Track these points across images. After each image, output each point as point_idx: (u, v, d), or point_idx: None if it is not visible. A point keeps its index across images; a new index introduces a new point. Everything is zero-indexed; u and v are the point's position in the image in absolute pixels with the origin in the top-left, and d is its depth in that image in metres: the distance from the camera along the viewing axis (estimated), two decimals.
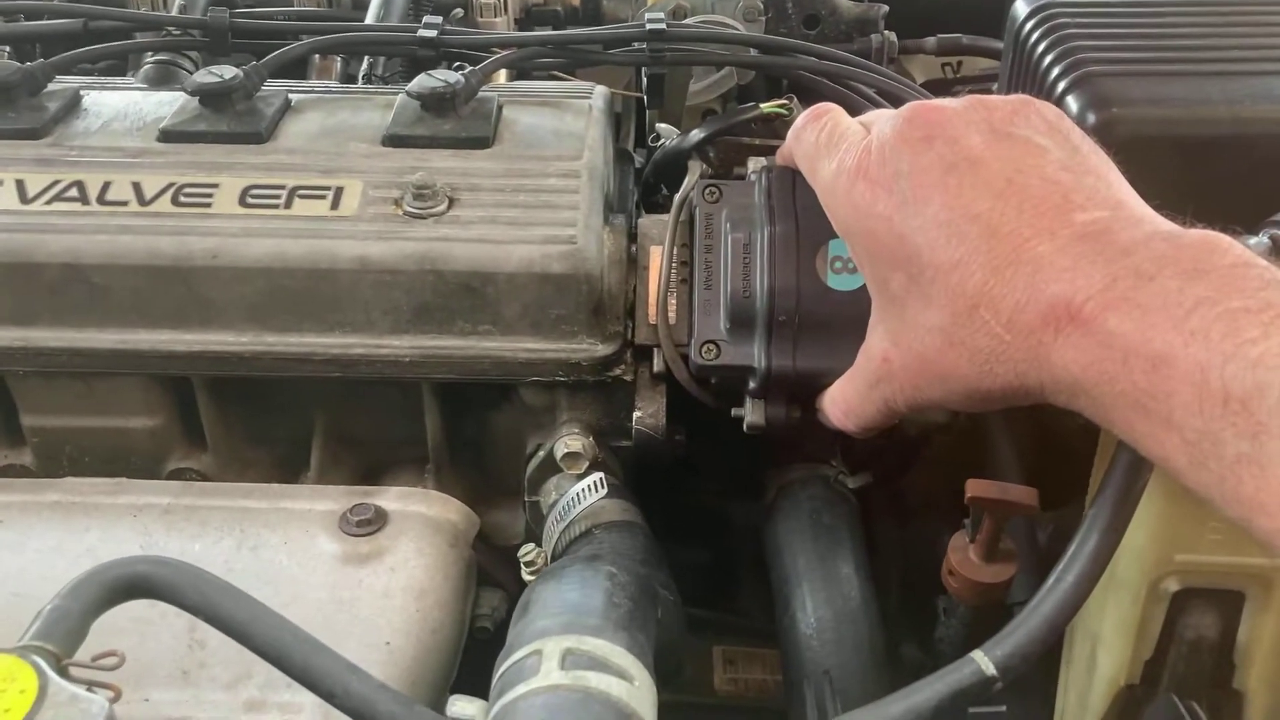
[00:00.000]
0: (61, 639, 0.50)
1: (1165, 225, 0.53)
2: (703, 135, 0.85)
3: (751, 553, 1.04)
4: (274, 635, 0.54)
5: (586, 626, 0.55)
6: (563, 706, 0.48)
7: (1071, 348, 0.50)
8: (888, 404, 0.63)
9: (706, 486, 1.00)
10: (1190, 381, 0.46)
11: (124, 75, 1.09)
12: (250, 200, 0.78)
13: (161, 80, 0.95)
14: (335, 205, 0.78)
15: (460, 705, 0.53)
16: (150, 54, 1.02)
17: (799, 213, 0.76)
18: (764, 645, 1.04)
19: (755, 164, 0.81)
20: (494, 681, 0.55)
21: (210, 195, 0.78)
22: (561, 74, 1.04)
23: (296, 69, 1.05)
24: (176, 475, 0.85)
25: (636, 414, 0.81)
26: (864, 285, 0.76)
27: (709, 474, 0.98)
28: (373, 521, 0.76)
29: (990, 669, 0.55)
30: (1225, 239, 0.50)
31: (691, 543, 1.03)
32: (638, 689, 0.51)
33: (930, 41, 1.16)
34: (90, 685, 0.49)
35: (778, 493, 0.86)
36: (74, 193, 0.79)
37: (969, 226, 0.54)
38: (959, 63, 1.29)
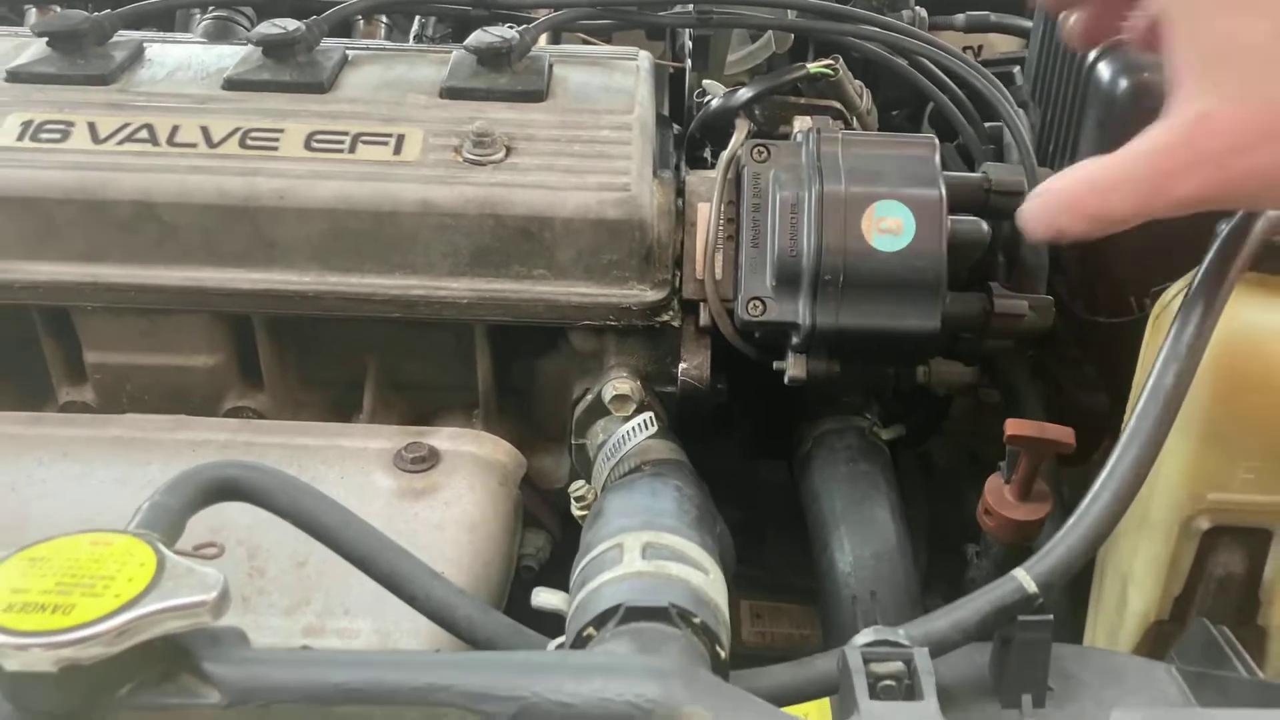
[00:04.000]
0: (164, 530, 0.53)
1: None
2: (750, 94, 0.88)
3: (778, 512, 1.07)
4: (361, 540, 0.56)
5: (663, 525, 0.58)
6: (648, 589, 0.51)
7: None
8: (1187, 174, 0.51)
9: (734, 448, 1.03)
10: None
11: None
12: (315, 145, 0.81)
13: (220, 35, 0.98)
14: (398, 151, 0.81)
15: (544, 596, 0.56)
16: (197, 10, 1.04)
17: (846, 174, 0.79)
18: (790, 600, 1.07)
19: (802, 124, 0.85)
20: (573, 577, 0.57)
21: (276, 139, 0.81)
22: (591, 40, 1.07)
23: (340, 31, 1.07)
24: (233, 414, 0.88)
25: (682, 365, 0.84)
26: (908, 246, 0.79)
27: (739, 434, 1.01)
28: (426, 459, 0.79)
29: (1031, 586, 0.57)
30: None
31: (720, 502, 1.06)
32: (712, 581, 0.54)
33: (959, 18, 1.19)
34: None
35: (814, 443, 0.89)
36: (144, 134, 0.81)
37: None
38: (980, 46, 1.33)
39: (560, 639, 0.55)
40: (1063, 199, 0.55)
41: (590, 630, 0.50)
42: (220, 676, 0.45)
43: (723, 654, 0.50)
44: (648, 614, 0.49)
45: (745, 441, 1.00)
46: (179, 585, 0.45)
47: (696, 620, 0.49)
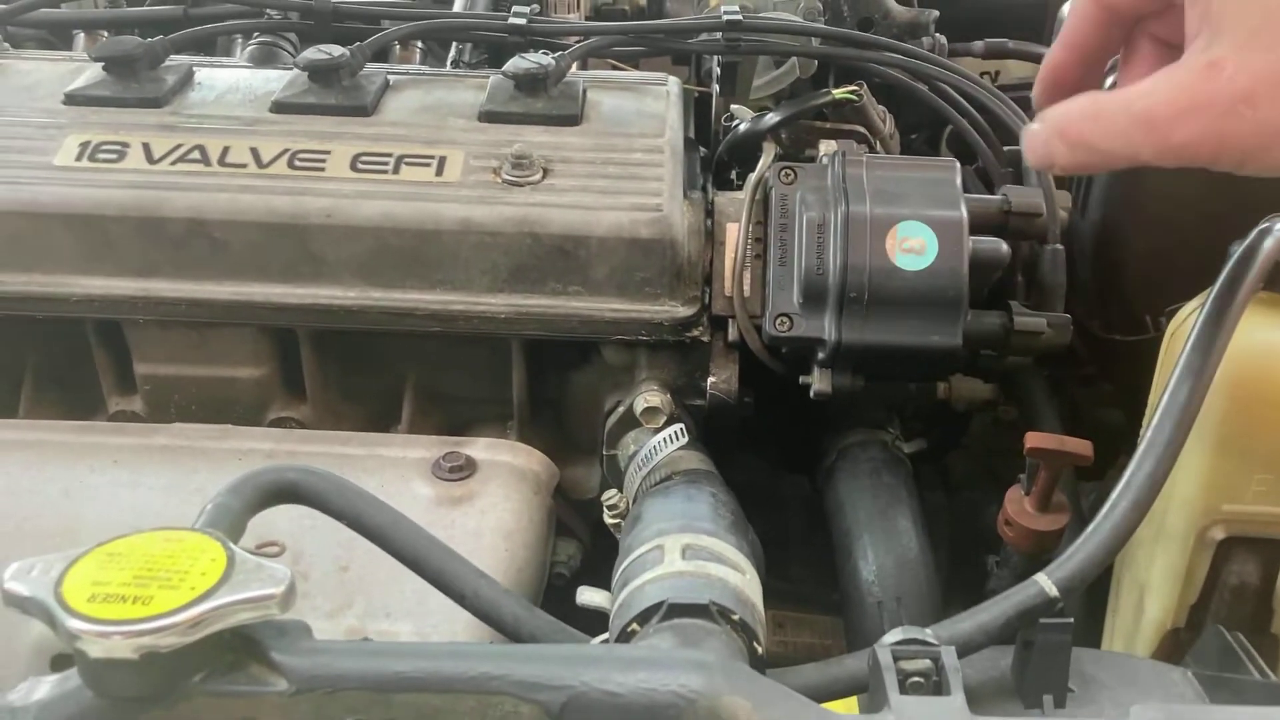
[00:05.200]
0: (227, 529, 0.55)
1: None
2: (777, 119, 0.91)
3: (800, 526, 1.10)
4: (412, 541, 0.59)
5: (701, 529, 0.60)
6: (689, 587, 0.54)
7: None
8: (1186, 119, 0.49)
9: (758, 462, 1.06)
10: None
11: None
12: (360, 166, 0.84)
13: (265, 60, 1.02)
14: (439, 172, 0.84)
15: (588, 594, 0.58)
16: (240, 36, 1.08)
17: (870, 196, 0.82)
18: (812, 611, 1.09)
19: (827, 147, 0.88)
20: (615, 577, 0.60)
21: (323, 160, 0.85)
22: (621, 66, 1.11)
23: (378, 56, 1.11)
24: (277, 424, 0.90)
25: (711, 379, 0.87)
26: (930, 265, 0.82)
27: (764, 448, 1.04)
28: (464, 468, 0.82)
29: (1052, 590, 0.60)
30: None
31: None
32: (749, 581, 0.56)
33: (977, 45, 1.22)
34: None
35: (838, 455, 0.92)
36: (196, 155, 0.85)
37: None
38: (997, 71, 1.36)
39: (601, 636, 0.58)
40: (1057, 123, 0.53)
41: (634, 626, 0.53)
42: (287, 665, 0.48)
43: (759, 649, 0.53)
44: (689, 611, 0.52)
45: (770, 455, 1.03)
46: (249, 579, 0.48)
47: (735, 617, 0.52)
